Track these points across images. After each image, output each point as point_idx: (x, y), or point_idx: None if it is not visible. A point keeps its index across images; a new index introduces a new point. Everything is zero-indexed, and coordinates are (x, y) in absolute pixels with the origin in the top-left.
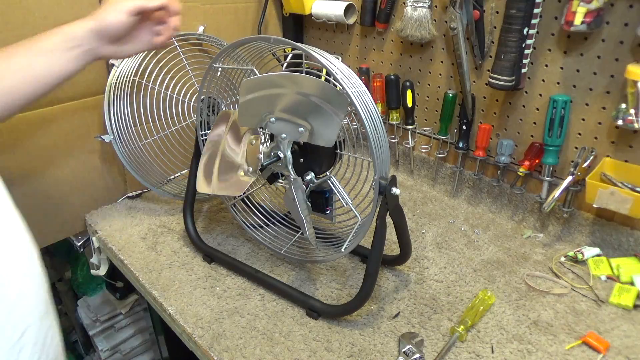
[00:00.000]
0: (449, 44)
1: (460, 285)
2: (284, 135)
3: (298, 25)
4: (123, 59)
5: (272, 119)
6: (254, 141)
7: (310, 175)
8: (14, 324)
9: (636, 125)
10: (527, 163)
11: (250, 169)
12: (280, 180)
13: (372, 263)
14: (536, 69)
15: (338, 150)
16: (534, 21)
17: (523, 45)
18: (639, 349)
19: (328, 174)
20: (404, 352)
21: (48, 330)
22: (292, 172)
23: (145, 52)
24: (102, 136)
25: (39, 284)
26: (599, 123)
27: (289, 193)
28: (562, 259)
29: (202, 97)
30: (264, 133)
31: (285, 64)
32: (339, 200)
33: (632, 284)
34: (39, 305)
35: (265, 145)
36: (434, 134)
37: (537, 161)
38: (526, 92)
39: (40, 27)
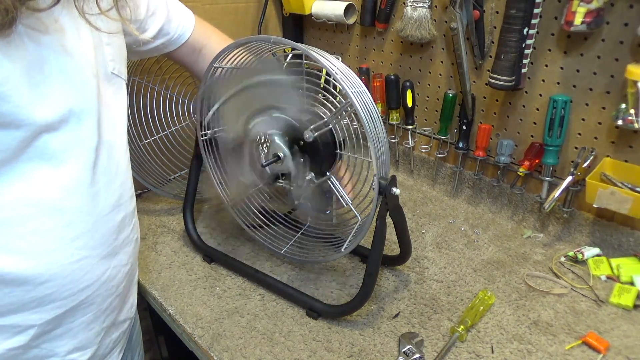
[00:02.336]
0: (449, 44)
1: (460, 285)
2: (270, 132)
3: (298, 25)
4: None
5: (253, 122)
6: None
7: (310, 175)
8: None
9: (636, 125)
10: (527, 163)
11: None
12: (280, 180)
13: (372, 263)
14: (536, 69)
15: (338, 150)
16: (534, 21)
17: (523, 45)
18: (639, 349)
19: (328, 174)
20: (404, 352)
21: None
22: (293, 168)
23: None
24: None
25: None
26: (599, 123)
27: (295, 192)
28: (562, 259)
29: (202, 97)
30: (265, 132)
31: (285, 64)
32: (339, 200)
33: (632, 284)
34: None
35: (264, 145)
36: (434, 134)
37: (537, 161)
38: (526, 92)
39: None
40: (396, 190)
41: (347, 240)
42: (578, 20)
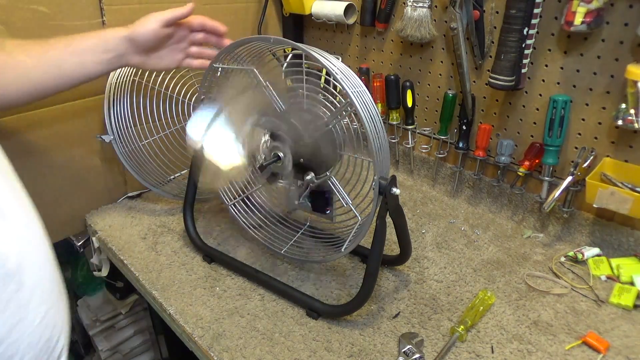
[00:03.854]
0: (449, 44)
1: (460, 285)
2: (268, 133)
3: (298, 25)
4: None
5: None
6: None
7: (310, 175)
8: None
9: (636, 125)
10: (527, 163)
11: (244, 156)
12: (280, 180)
13: (372, 263)
14: (536, 69)
15: (338, 150)
16: (534, 21)
17: (523, 45)
18: (639, 349)
19: (328, 174)
20: (404, 352)
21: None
22: (293, 168)
23: None
24: (102, 136)
25: (54, 268)
26: (599, 123)
27: (295, 192)
28: (562, 259)
29: (202, 97)
30: (265, 132)
31: (285, 64)
32: (339, 200)
33: (632, 284)
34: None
35: (265, 144)
36: (434, 134)
37: (537, 161)
38: (526, 92)
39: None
40: (396, 190)
41: (347, 241)
42: (578, 20)
